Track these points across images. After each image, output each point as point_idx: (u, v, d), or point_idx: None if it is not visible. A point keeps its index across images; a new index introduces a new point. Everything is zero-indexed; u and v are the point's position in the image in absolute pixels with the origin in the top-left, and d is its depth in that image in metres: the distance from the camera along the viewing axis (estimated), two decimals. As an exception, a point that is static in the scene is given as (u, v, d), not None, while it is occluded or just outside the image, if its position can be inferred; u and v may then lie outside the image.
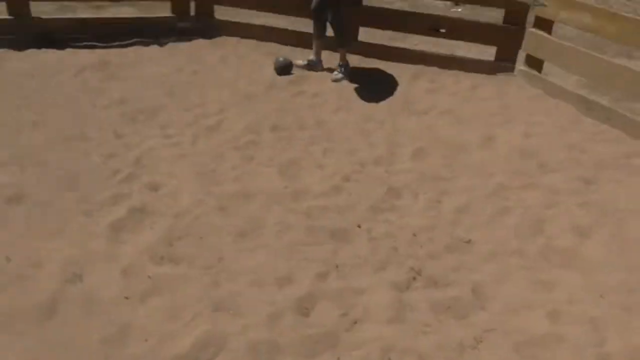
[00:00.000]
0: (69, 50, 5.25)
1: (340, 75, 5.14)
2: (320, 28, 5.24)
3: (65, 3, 6.31)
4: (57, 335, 2.21)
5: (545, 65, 5.23)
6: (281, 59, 5.24)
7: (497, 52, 5.44)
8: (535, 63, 5.21)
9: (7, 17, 5.29)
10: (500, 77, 5.40)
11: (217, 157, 3.74)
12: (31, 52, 5.09)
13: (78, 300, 2.39)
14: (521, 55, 5.41)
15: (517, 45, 5.30)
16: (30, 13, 5.36)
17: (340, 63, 5.21)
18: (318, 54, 5.33)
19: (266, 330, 2.32)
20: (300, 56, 5.44)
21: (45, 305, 2.34)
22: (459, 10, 7.35)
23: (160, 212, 3.07)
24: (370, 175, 3.67)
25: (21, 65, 4.83)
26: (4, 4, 5.27)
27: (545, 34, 5.04)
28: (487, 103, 4.90)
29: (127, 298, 2.44)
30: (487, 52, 5.60)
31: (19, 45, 5.15)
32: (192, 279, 2.57)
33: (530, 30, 5.16)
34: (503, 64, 5.42)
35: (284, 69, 5.21)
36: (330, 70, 5.28)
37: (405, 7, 6.96)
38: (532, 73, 5.22)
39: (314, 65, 5.31)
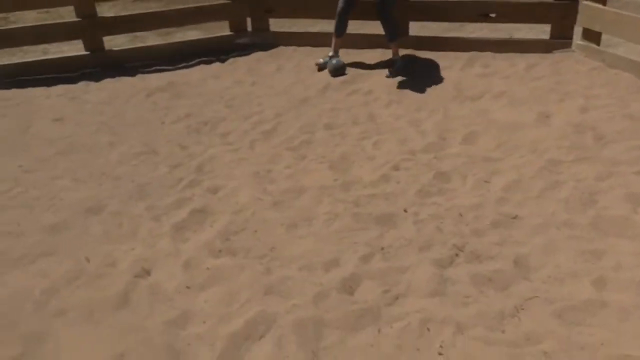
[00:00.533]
0: (139, 76, 5.72)
1: (396, 70, 5.23)
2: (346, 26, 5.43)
3: (138, 34, 6.87)
4: (128, 320, 2.49)
5: (608, 37, 5.07)
6: (334, 61, 5.42)
7: (552, 30, 5.34)
8: (592, 36, 5.07)
9: (84, 52, 5.85)
10: (557, 54, 5.29)
11: (272, 158, 3.96)
12: (107, 82, 5.60)
13: (146, 291, 2.67)
14: (578, 30, 5.28)
15: (572, 21, 5.17)
16: (104, 47, 5.89)
17: (394, 58, 5.31)
18: (337, 50, 5.51)
19: (313, 308, 2.48)
20: (351, 57, 5.62)
21: (119, 297, 2.63)
22: None
23: (219, 212, 3.32)
24: (419, 163, 3.75)
25: (99, 94, 5.32)
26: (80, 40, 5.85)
27: (600, 5, 4.89)
28: (543, 81, 4.82)
29: (188, 287, 2.69)
30: (547, 31, 5.49)
31: (96, 76, 5.68)
32: (246, 268, 2.78)
33: (584, 3, 5.03)
34: (559, 41, 5.30)
35: (338, 69, 5.39)
36: (384, 66, 5.40)
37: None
38: (590, 46, 5.08)
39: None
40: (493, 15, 5.44)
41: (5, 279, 2.83)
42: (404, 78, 5.15)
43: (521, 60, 5.29)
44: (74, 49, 6.21)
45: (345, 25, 5.40)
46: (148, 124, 4.67)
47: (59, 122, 4.75)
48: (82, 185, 3.72)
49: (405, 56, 5.48)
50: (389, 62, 5.36)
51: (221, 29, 6.44)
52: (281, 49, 6.18)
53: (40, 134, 4.54)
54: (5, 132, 4.63)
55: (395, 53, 5.34)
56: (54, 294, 2.69)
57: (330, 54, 5.52)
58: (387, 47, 5.44)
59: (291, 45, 6.19)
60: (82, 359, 2.31)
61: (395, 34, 5.29)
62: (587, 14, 4.99)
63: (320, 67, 5.54)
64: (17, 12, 7.58)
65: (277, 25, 6.40)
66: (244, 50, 6.18)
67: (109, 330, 2.44)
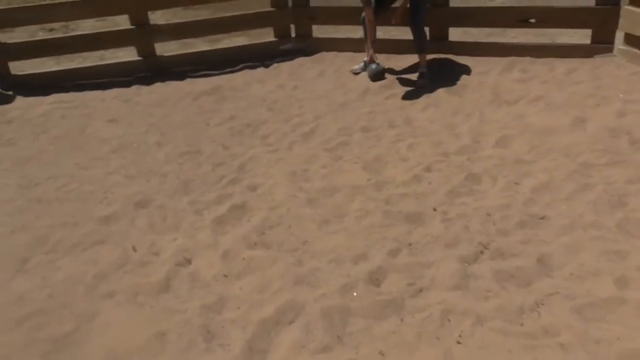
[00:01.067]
0: (188, 80, 6.01)
1: (425, 81, 5.29)
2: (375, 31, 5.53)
3: (187, 40, 7.18)
4: (169, 304, 2.70)
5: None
6: (374, 66, 5.56)
7: (593, 35, 5.32)
8: (634, 41, 5.03)
9: (137, 58, 6.20)
10: (598, 59, 5.27)
11: (310, 158, 4.13)
12: (158, 85, 5.91)
13: (186, 278, 2.88)
14: (620, 35, 5.25)
15: (614, 25, 5.15)
16: (155, 53, 6.22)
17: (422, 70, 5.37)
18: (374, 54, 5.59)
19: (340, 297, 2.63)
20: (391, 62, 5.74)
21: (161, 283, 2.85)
22: None
23: (257, 208, 3.51)
24: (452, 164, 3.85)
25: (150, 97, 5.63)
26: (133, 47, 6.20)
27: (642, 10, 4.87)
28: (581, 86, 4.82)
29: (225, 276, 2.88)
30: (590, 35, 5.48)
31: (148, 80, 6.01)
32: (279, 260, 2.96)
33: (626, 7, 5.00)
34: (601, 45, 5.28)
35: (378, 74, 5.52)
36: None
37: (509, 1, 6.95)
38: (632, 51, 5.04)
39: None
40: (533, 20, 5.46)
41: (60, 264, 3.10)
42: (443, 82, 5.24)
43: (560, 65, 5.29)
44: (128, 54, 6.57)
45: (374, 33, 5.50)
46: (194, 125, 4.92)
47: (112, 123, 5.07)
48: (132, 181, 3.99)
49: (439, 60, 5.53)
50: (419, 72, 5.40)
51: (266, 36, 6.68)
52: (323, 54, 6.36)
53: (96, 134, 4.86)
54: (63, 132, 4.98)
55: (422, 64, 5.38)
56: (103, 278, 2.93)
57: (366, 59, 5.65)
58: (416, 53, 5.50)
59: (333, 50, 6.36)
60: (128, 336, 2.52)
61: (422, 47, 5.33)
62: (629, 18, 4.97)
63: (356, 73, 5.69)
64: (77, 21, 8.03)
65: (319, 31, 6.59)
66: (288, 55, 6.39)
67: (152, 312, 2.66)
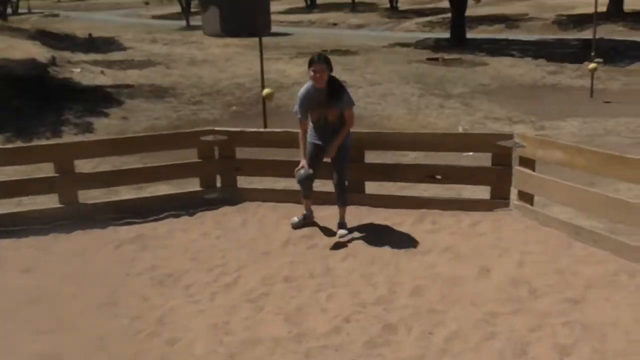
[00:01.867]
0: (110, 228, 5.99)
1: (345, 232, 5.46)
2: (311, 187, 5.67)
3: (112, 188, 7.25)
4: None
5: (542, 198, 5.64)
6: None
7: (492, 191, 5.91)
8: (526, 197, 5.63)
9: (58, 205, 6.17)
10: (498, 212, 5.81)
11: (231, 310, 4.16)
12: (78, 233, 5.84)
13: None
14: (515, 191, 5.87)
15: (508, 183, 5.77)
16: (77, 200, 6.23)
17: (341, 221, 5.56)
18: (310, 208, 5.84)
19: None
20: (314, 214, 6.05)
21: None
22: (470, 154, 7.94)
23: (175, 363, 3.45)
24: (369, 315, 4.00)
25: (68, 246, 5.55)
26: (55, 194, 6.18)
27: (530, 171, 5.52)
28: (485, 238, 5.26)
29: None
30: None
31: (68, 228, 5.93)
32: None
33: (517, 168, 5.66)
34: (499, 200, 5.85)
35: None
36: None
37: (420, 158, 7.63)
38: (525, 206, 5.62)
39: (308, 218, 5.83)
40: (439, 177, 6.03)
41: None
42: (361, 233, 5.54)
43: (466, 217, 5.77)
44: (48, 200, 6.52)
45: (311, 187, 5.65)
46: (113, 275, 4.86)
47: (25, 272, 4.92)
48: (41, 337, 3.82)
49: (356, 211, 5.85)
50: (338, 224, 5.55)
51: (191, 184, 6.89)
52: (247, 204, 6.59)
53: (6, 285, 4.68)
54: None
55: (342, 216, 5.57)
56: None
57: (305, 212, 5.82)
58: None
59: (256, 200, 6.62)
60: None
61: (344, 199, 5.53)
62: (519, 177, 5.61)
63: (295, 226, 5.75)
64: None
65: (244, 181, 6.89)
66: (212, 204, 6.57)
67: None
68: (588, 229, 4.97)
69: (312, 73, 5.20)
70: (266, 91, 9.77)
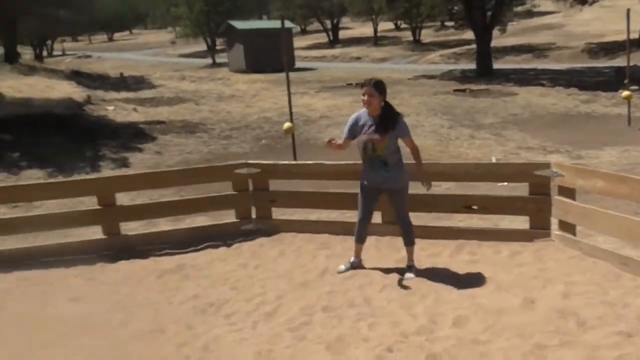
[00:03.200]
0: (151, 259, 6.12)
1: (412, 276, 5.20)
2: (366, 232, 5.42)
3: (152, 220, 7.41)
4: None
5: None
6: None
7: (531, 221, 5.87)
8: (567, 227, 5.57)
9: (102, 237, 6.34)
10: (539, 243, 5.75)
11: (273, 338, 4.19)
12: (122, 264, 5.99)
13: None
14: (556, 221, 5.81)
15: (548, 213, 5.72)
16: (120, 232, 6.39)
17: (410, 263, 5.32)
18: (359, 255, 5.54)
19: None
20: (347, 245, 6.08)
21: None
22: (505, 184, 7.88)
23: (222, 391, 3.48)
24: (412, 345, 3.98)
25: (114, 275, 5.68)
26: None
27: (570, 200, 5.48)
28: (527, 268, 5.20)
29: None
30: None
31: (112, 258, 6.09)
32: None
33: (556, 197, 5.63)
34: (539, 230, 5.80)
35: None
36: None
37: (453, 188, 7.62)
38: (567, 236, 5.56)
39: (356, 266, 5.52)
40: (475, 207, 6.02)
41: None
42: (398, 265, 5.53)
43: (505, 248, 5.73)
44: (92, 232, 6.70)
45: (366, 233, 5.45)
46: (158, 304, 4.95)
47: (74, 301, 5.04)
48: (92, 363, 3.91)
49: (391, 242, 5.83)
50: (408, 266, 5.34)
51: (227, 216, 7.00)
52: (283, 234, 6.65)
53: (57, 313, 4.80)
54: (23, 310, 4.90)
55: (410, 258, 5.36)
56: None
57: (352, 259, 5.54)
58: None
59: (292, 231, 6.68)
60: None
61: (410, 240, 5.32)
62: (560, 207, 5.57)
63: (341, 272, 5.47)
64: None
65: (278, 213, 6.97)
66: (249, 235, 6.66)
67: None
68: (636, 259, 4.88)
69: (362, 97, 5.06)
70: (286, 125, 9.63)
